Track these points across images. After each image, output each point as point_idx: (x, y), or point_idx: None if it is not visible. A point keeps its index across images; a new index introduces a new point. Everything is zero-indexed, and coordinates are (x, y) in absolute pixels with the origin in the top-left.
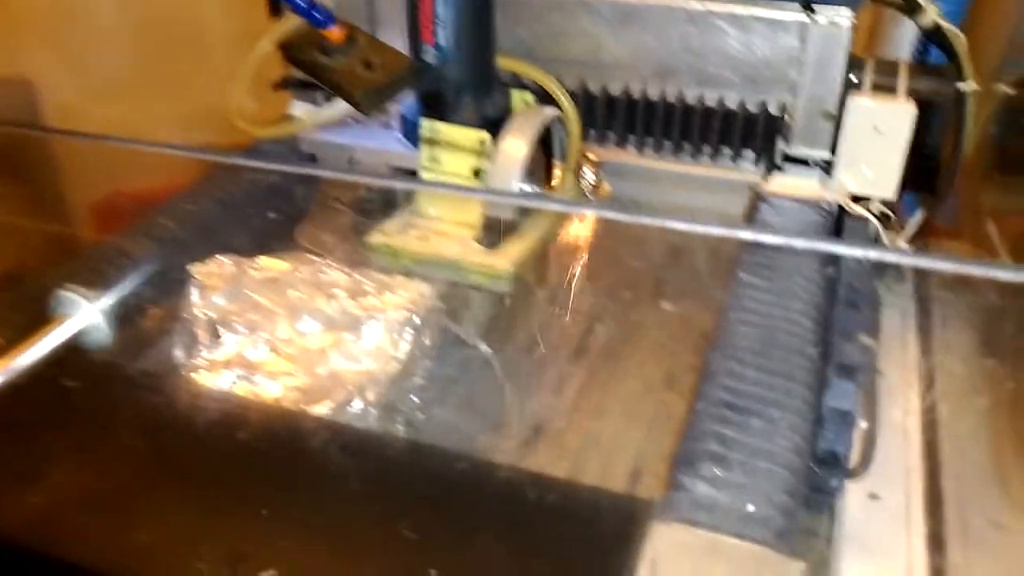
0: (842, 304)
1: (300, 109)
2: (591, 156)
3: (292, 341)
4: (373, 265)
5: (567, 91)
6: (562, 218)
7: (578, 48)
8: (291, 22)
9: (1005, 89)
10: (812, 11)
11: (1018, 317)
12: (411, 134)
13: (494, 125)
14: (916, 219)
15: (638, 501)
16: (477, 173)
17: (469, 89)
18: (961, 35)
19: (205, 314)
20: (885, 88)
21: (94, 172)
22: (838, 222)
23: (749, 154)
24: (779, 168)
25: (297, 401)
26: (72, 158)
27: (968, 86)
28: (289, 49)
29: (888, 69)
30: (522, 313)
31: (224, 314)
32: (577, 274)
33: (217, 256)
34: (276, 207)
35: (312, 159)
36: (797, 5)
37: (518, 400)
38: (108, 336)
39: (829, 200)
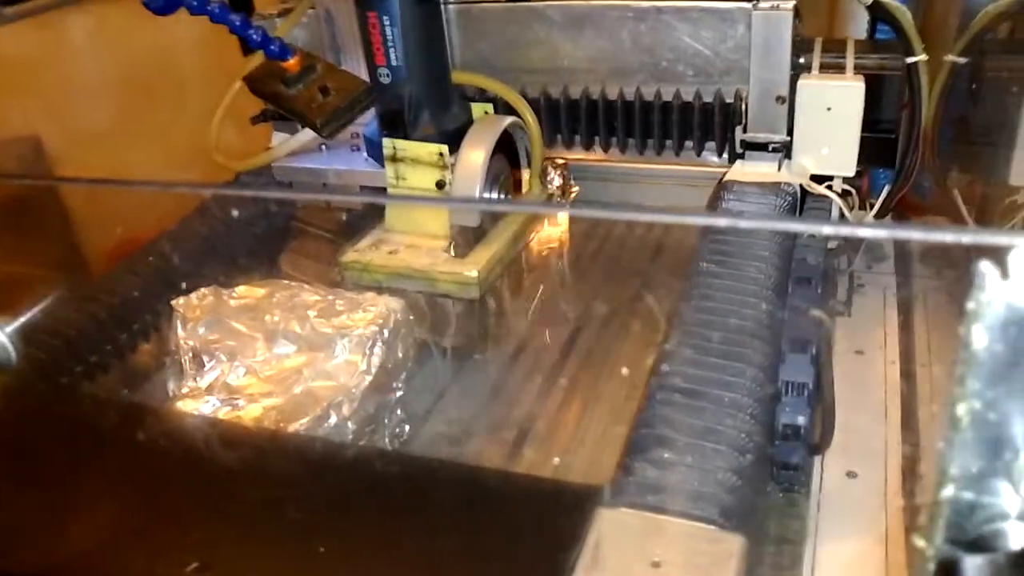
0: (794, 280)
1: (280, 139)
2: (558, 160)
3: (269, 363)
4: (347, 284)
5: (529, 99)
6: (531, 223)
7: (536, 56)
8: (260, 57)
9: (954, 59)
10: None
11: None
12: (376, 154)
13: (455, 138)
14: (883, 194)
15: (589, 488)
16: (441, 185)
17: (426, 105)
18: (905, 9)
19: (189, 344)
20: (834, 67)
21: (107, 219)
22: (802, 203)
23: (711, 145)
24: (741, 156)
25: (276, 420)
26: (83, 206)
27: (917, 59)
28: (253, 82)
29: (836, 48)
30: (496, 318)
31: (206, 343)
32: (549, 276)
33: (200, 289)
34: (257, 236)
35: (289, 186)
36: None
37: (496, 403)
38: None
39: (790, 182)
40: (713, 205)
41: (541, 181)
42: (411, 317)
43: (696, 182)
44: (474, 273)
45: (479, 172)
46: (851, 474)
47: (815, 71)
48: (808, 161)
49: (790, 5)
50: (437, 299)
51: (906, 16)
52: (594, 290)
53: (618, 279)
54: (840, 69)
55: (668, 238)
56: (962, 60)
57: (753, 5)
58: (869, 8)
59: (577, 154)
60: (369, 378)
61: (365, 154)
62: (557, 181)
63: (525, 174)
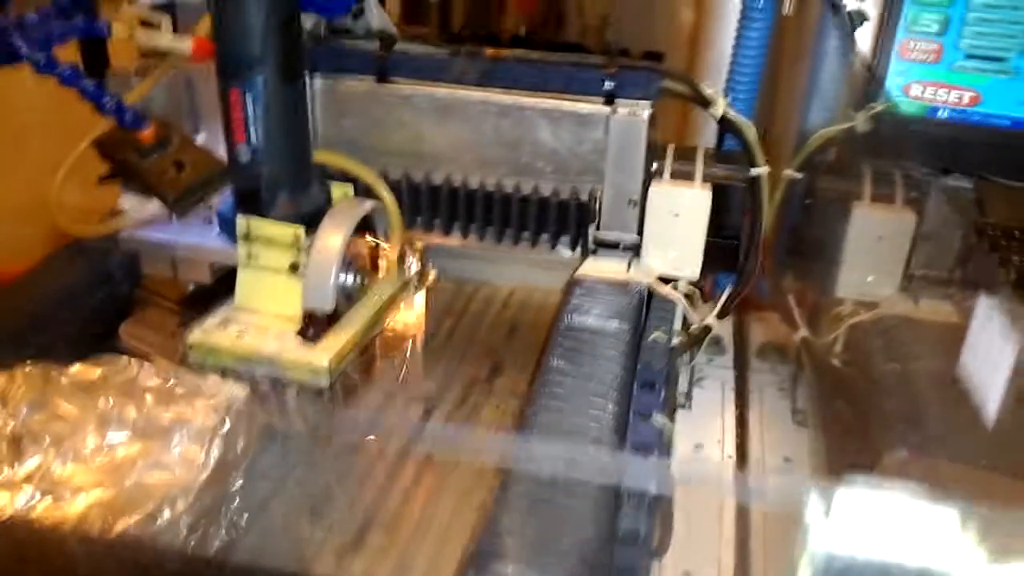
0: (639, 385)
1: (129, 203)
2: (417, 243)
3: (100, 451)
4: (192, 364)
5: (390, 180)
6: (388, 307)
7: (400, 139)
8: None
9: (792, 174)
10: (613, 104)
11: (820, 381)
12: (230, 230)
13: (313, 219)
14: (724, 295)
15: None
16: (295, 267)
17: (284, 185)
18: (751, 124)
19: (8, 427)
20: (684, 174)
21: None
22: (648, 301)
23: (566, 239)
24: (593, 252)
25: (102, 516)
26: None
27: (760, 171)
28: (104, 147)
29: (688, 155)
30: (347, 405)
31: (29, 426)
32: (406, 360)
33: (26, 364)
34: (100, 305)
35: (134, 258)
36: (600, 99)
37: (345, 499)
38: None
39: (638, 281)
40: (566, 298)
41: (399, 266)
42: (255, 405)
43: (550, 265)
44: (324, 363)
45: (336, 256)
46: (687, 574)
47: (666, 177)
48: (656, 262)
49: (646, 114)
50: (285, 385)
51: (751, 131)
52: (448, 374)
53: (472, 360)
54: (689, 177)
55: (522, 316)
56: (798, 175)
57: (612, 110)
58: (719, 121)
59: (435, 238)
60: (207, 472)
61: (217, 229)
62: (415, 267)
63: (383, 260)
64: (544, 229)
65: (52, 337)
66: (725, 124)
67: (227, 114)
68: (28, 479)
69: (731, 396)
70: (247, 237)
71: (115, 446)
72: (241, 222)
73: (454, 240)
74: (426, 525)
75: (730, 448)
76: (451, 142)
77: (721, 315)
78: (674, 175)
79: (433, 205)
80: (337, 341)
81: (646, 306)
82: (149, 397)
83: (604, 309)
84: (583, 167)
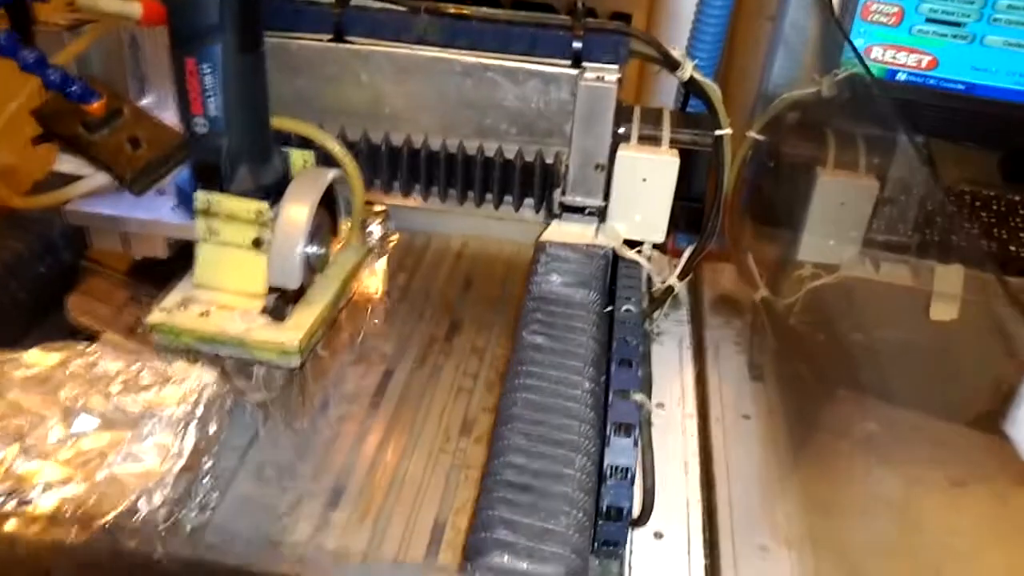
0: (616, 362)
1: (68, 164)
2: (377, 208)
3: (65, 445)
4: (153, 345)
5: (349, 142)
6: (352, 278)
7: (358, 100)
8: None
9: (754, 135)
10: (581, 66)
11: (780, 341)
12: (187, 204)
13: (274, 191)
14: (686, 254)
15: None
16: (258, 243)
17: (245, 158)
18: (716, 87)
19: None
20: (650, 138)
21: None
22: (614, 266)
23: (530, 202)
24: (558, 216)
25: (74, 513)
26: None
27: (724, 132)
28: (44, 119)
29: (653, 118)
30: (318, 381)
31: None
32: (369, 328)
33: None
34: (44, 275)
35: (81, 232)
36: (568, 60)
37: (315, 470)
38: None
39: (603, 246)
40: (533, 265)
41: (360, 232)
42: (224, 388)
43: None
44: (296, 342)
45: (302, 232)
46: (658, 535)
47: (633, 142)
48: (621, 226)
49: (615, 78)
50: (253, 364)
51: (716, 93)
52: (418, 333)
53: (434, 319)
54: (656, 141)
55: (488, 273)
56: (761, 137)
57: (579, 73)
58: (684, 84)
59: (395, 200)
60: (182, 461)
61: (173, 202)
62: (378, 232)
63: (344, 225)
64: (508, 191)
65: None
66: (691, 85)
67: (182, 84)
68: None
69: (688, 354)
70: (207, 212)
71: (81, 436)
72: (201, 197)
73: (413, 202)
74: (395, 494)
75: (691, 406)
76: (412, 103)
77: (683, 276)
78: (641, 139)
79: (392, 167)
80: (306, 318)
81: (612, 269)
82: (114, 388)
83: (573, 277)
84: (548, 128)
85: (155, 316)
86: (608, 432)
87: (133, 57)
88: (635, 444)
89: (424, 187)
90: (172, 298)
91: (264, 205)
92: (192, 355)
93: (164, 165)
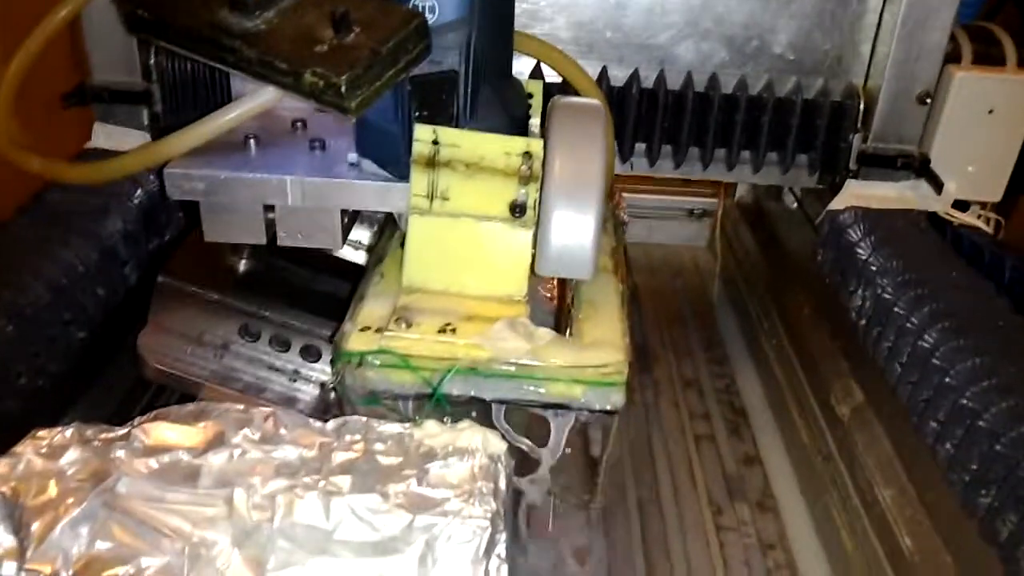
0: None
1: (104, 136)
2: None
3: None
4: (339, 392)
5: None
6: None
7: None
8: None
9: None
10: None
11: None
12: (376, 148)
13: (520, 131)
14: None
15: None
16: (519, 210)
17: (490, 72)
18: None
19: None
20: (988, 58)
21: None
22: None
23: (803, 160)
24: (853, 174)
25: None
26: None
27: None
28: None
29: (982, 34)
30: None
31: (91, 563)
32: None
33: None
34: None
35: (184, 209)
36: None
37: None
38: None
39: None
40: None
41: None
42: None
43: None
44: (621, 362)
45: (597, 189)
46: None
47: (965, 62)
48: (951, 182)
49: None
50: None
51: None
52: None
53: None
54: (998, 61)
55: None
56: None
57: None
58: None
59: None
60: None
61: (353, 154)
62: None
63: None
64: (778, 145)
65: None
66: None
67: None
68: None
69: None
70: (433, 161)
71: None
72: (423, 134)
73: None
74: None
75: None
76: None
77: None
78: (976, 58)
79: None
80: (608, 328)
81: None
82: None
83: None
84: (838, 53)
85: (354, 340)
86: None
87: None
88: None
89: (658, 143)
90: (370, 310)
91: (537, 143)
92: (377, 398)
93: (392, 66)
